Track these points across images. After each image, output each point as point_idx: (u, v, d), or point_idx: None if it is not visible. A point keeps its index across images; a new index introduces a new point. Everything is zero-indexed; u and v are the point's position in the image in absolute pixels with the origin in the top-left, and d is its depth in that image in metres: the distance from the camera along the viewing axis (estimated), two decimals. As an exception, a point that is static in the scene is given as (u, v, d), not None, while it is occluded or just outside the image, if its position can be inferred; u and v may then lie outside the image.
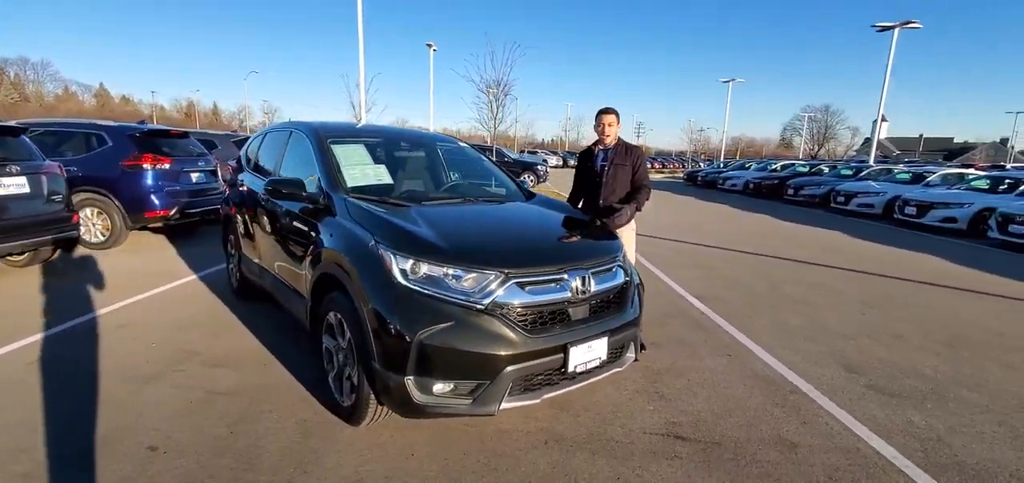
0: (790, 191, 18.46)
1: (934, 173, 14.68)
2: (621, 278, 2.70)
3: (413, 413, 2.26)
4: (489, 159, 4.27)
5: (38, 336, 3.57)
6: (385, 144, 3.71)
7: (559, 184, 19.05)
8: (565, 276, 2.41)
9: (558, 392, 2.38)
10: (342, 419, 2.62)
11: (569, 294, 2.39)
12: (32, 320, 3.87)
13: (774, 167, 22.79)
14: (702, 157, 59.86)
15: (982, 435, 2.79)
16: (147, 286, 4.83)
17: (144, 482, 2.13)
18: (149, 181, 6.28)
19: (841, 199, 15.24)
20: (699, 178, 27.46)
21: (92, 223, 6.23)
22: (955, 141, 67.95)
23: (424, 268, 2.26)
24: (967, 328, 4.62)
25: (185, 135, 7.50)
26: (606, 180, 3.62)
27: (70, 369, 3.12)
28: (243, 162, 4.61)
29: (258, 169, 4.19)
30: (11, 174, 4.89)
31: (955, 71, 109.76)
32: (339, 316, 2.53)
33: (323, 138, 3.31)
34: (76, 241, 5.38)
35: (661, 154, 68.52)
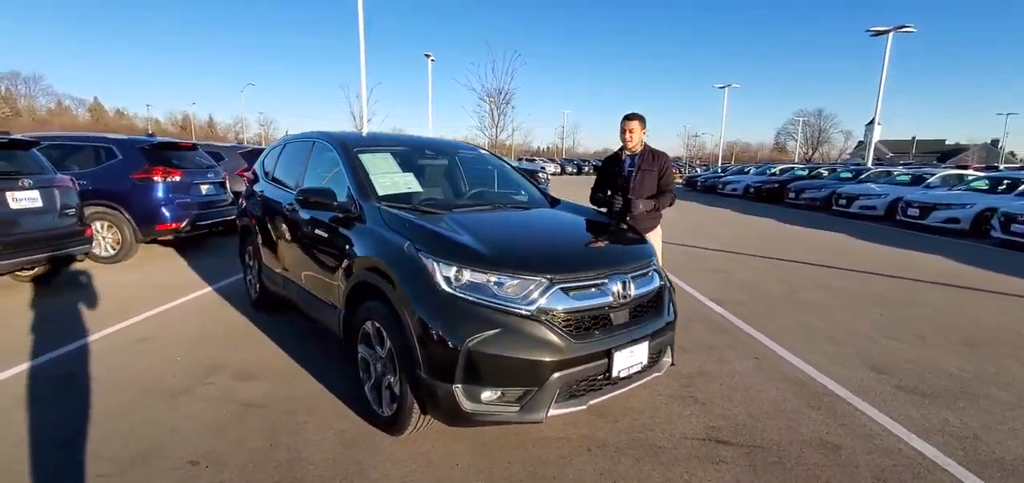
0: (791, 195, 18.55)
1: (934, 175, 14.80)
2: (657, 282, 2.71)
3: (460, 422, 2.24)
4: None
5: (60, 351, 3.53)
6: (410, 152, 3.70)
7: (560, 192, 19.03)
8: (606, 281, 2.40)
9: (603, 398, 2.37)
10: (380, 429, 2.59)
11: (611, 299, 2.38)
12: (49, 337, 3.81)
13: (773, 171, 22.97)
14: (698, 162, 60.14)
15: (1016, 432, 2.81)
16: (163, 299, 4.78)
17: (189, 497, 2.10)
18: (160, 194, 6.25)
19: (843, 202, 15.33)
20: (699, 183, 27.63)
21: (102, 237, 6.18)
22: (947, 143, 68.51)
23: (467, 275, 2.25)
24: (983, 327, 4.64)
25: (194, 147, 7.49)
26: (634, 185, 3.63)
27: (95, 385, 3.07)
28: (260, 173, 4.60)
29: (277, 180, 4.18)
30: (23, 188, 4.85)
31: (946, 73, 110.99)
32: (378, 325, 2.51)
33: (350, 148, 3.31)
34: (84, 256, 5.34)
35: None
